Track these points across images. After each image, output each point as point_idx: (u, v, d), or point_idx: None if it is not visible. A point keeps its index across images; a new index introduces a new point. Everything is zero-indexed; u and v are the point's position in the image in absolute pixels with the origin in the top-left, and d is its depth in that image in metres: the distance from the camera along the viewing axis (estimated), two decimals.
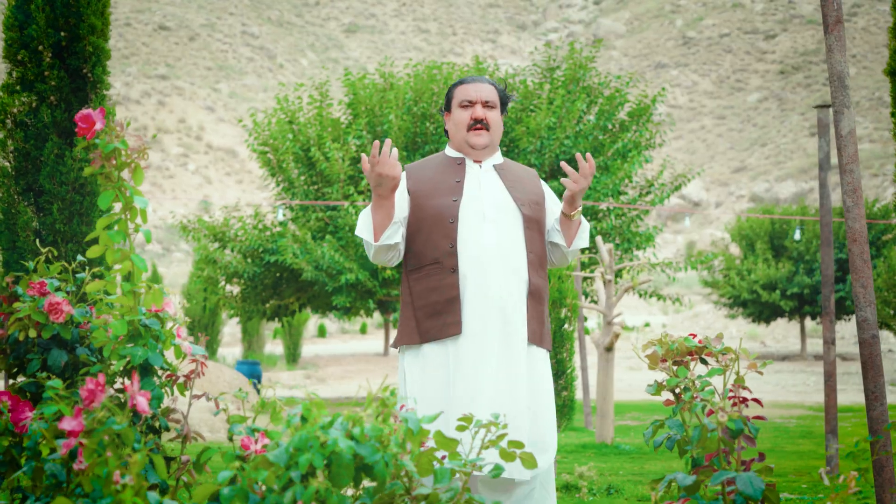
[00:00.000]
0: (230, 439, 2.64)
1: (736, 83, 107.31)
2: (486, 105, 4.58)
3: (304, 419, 2.26)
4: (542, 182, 4.73)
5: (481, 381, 4.25)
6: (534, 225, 4.49)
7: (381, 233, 4.37)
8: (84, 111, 2.73)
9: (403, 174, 4.57)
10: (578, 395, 18.28)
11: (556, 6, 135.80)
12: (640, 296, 19.83)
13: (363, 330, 47.51)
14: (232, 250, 18.78)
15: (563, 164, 4.44)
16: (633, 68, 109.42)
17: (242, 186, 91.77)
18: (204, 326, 30.80)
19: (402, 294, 4.51)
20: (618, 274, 18.22)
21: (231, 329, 42.75)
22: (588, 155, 4.40)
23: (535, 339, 4.41)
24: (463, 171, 4.55)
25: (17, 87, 7.43)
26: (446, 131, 4.74)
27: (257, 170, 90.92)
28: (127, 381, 2.90)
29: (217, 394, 13.82)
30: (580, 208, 4.50)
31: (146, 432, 2.89)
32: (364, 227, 4.41)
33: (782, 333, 42.76)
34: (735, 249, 41.09)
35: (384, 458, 2.24)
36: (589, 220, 18.33)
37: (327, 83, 19.33)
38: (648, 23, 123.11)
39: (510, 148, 18.10)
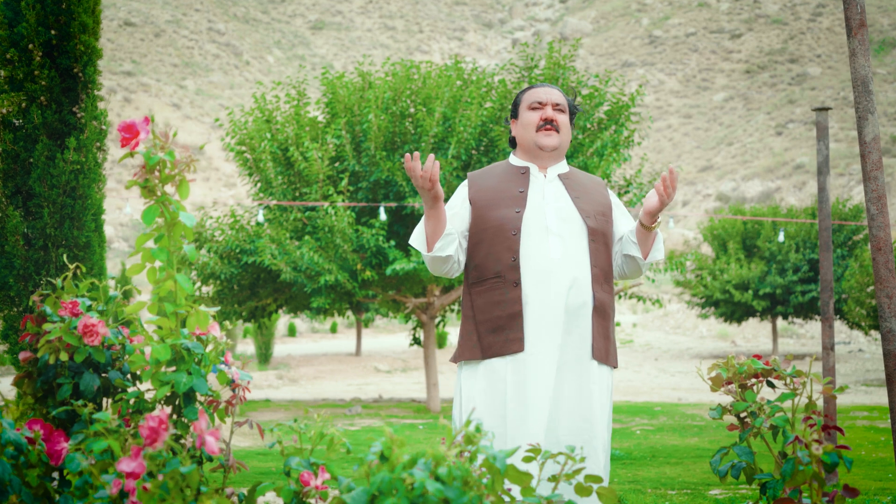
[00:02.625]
0: (287, 474, 2.47)
1: (702, 82, 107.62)
2: (557, 108, 4.47)
3: (383, 458, 2.09)
4: (611, 191, 4.58)
5: (541, 401, 4.09)
6: (599, 237, 4.34)
7: (433, 243, 4.24)
8: (127, 121, 2.55)
9: (465, 183, 4.47)
10: None
11: (523, 4, 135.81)
12: (619, 297, 19.71)
13: (333, 329, 47.24)
14: (208, 251, 18.50)
15: (658, 182, 4.31)
16: (599, 67, 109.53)
17: (210, 184, 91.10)
18: None
19: (464, 308, 4.37)
20: None
21: None
22: (672, 168, 4.26)
23: (601, 355, 4.25)
24: (527, 181, 4.41)
25: (6, 87, 7.20)
26: (512, 139, 4.59)
27: (225, 168, 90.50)
28: (167, 408, 2.73)
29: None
30: (660, 220, 4.34)
31: None
32: (418, 236, 4.30)
33: (752, 333, 42.85)
34: (707, 249, 41.15)
35: (471, 499, 2.07)
36: None
37: (304, 82, 19.09)
38: (615, 21, 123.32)
39: (489, 148, 17.94)
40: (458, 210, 4.37)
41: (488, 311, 4.23)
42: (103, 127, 7.48)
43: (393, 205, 17.80)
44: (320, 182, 17.53)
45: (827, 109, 9.05)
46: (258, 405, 20.53)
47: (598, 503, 4.18)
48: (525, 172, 4.43)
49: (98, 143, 7.47)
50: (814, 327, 41.58)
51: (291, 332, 45.58)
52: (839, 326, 39.96)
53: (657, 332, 43.82)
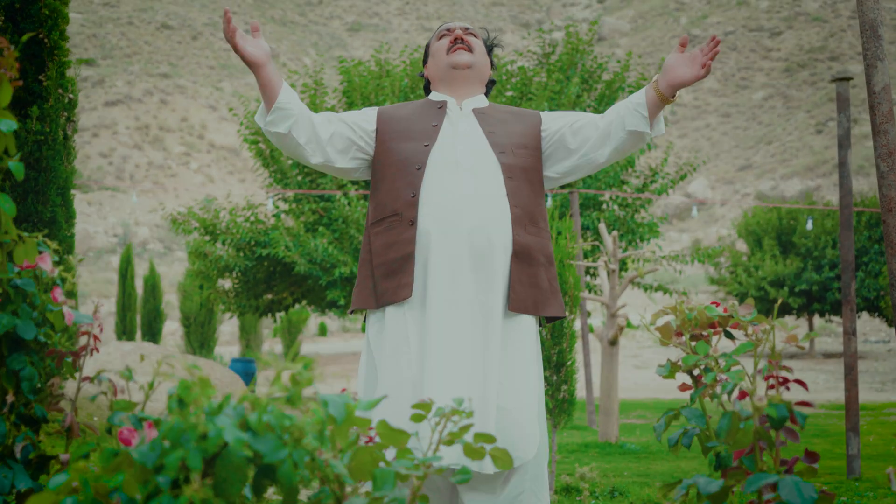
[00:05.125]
0: (108, 431, 2.02)
1: (741, 81, 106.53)
2: (468, 32, 4.06)
3: (181, 403, 1.63)
4: (543, 114, 4.05)
5: (441, 355, 3.61)
6: (518, 174, 3.83)
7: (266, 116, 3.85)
8: None
9: (375, 112, 4.01)
10: (580, 390, 17.67)
11: (560, 5, 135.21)
12: (646, 290, 19.20)
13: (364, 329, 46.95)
14: (223, 243, 18.18)
15: (683, 38, 3.76)
16: (637, 66, 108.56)
17: (245, 185, 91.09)
18: (200, 324, 30.23)
19: (363, 251, 3.90)
20: (622, 265, 17.57)
21: (230, 328, 42.17)
22: (716, 40, 3.71)
23: (521, 305, 3.74)
24: (442, 116, 3.94)
25: None
26: (426, 85, 4.17)
27: (258, 166, 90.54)
28: None
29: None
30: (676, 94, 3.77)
31: (18, 424, 2.26)
32: (261, 108, 3.90)
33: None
34: (742, 245, 40.46)
35: (293, 456, 1.61)
36: (591, 211, 17.69)
37: (321, 71, 18.73)
38: (653, 21, 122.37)
39: None
40: (353, 115, 3.99)
41: (383, 254, 3.79)
42: (71, 96, 7.06)
43: None
44: None
45: (848, 80, 8.51)
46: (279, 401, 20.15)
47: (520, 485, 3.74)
48: (442, 107, 3.99)
49: (66, 114, 7.06)
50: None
51: (322, 331, 45.29)
52: (878, 324, 39.19)
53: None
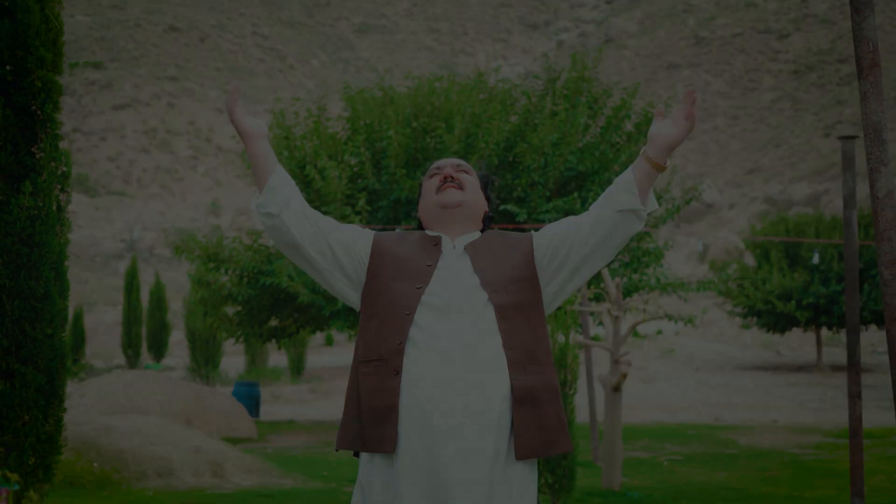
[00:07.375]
0: None
1: (749, 83, 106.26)
2: (459, 168, 3.91)
3: None
4: (534, 234, 3.88)
5: None
6: (513, 312, 3.65)
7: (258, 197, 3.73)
8: None
9: (372, 238, 3.81)
10: (581, 417, 17.56)
11: (568, 6, 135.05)
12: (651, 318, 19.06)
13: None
14: (226, 272, 18.08)
15: (658, 109, 3.65)
16: (644, 68, 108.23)
17: (252, 189, 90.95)
18: (205, 340, 30.13)
19: (350, 386, 3.72)
20: (626, 293, 17.47)
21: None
22: (691, 91, 3.64)
23: (529, 451, 3.57)
24: (437, 254, 3.76)
25: None
26: (419, 227, 4.01)
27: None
28: None
29: (211, 424, 12.80)
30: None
31: None
32: (254, 196, 3.78)
33: (797, 342, 41.91)
34: (750, 258, 40.34)
35: None
36: None
37: (325, 96, 18.62)
38: (661, 22, 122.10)
39: (513, 164, 17.36)
40: (353, 229, 3.82)
41: (369, 398, 3.61)
42: (64, 168, 6.98)
43: (412, 226, 17.31)
44: (338, 202, 17.02)
45: (853, 138, 8.39)
46: (282, 427, 20.04)
47: None
48: (437, 244, 3.80)
49: (59, 186, 6.97)
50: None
51: (329, 341, 45.15)
52: (883, 336, 39.03)
53: (700, 341, 42.94)
